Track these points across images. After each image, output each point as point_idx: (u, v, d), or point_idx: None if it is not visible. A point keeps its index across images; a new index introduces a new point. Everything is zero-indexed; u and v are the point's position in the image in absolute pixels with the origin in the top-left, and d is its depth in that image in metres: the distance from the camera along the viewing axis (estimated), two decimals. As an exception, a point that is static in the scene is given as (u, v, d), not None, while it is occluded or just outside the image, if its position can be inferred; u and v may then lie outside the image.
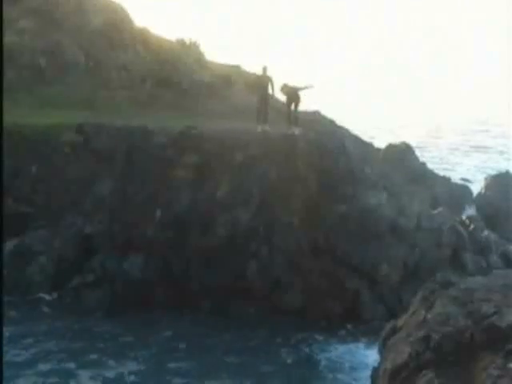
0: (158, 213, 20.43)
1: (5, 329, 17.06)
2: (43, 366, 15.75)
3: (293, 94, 22.50)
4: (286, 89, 22.60)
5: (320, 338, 18.25)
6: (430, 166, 35.47)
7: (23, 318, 18.29)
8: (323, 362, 16.85)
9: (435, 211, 24.42)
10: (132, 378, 15.41)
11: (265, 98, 22.88)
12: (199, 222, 20.17)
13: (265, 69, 22.80)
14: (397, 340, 8.19)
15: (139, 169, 21.30)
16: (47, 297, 19.69)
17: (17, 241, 20.39)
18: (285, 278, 19.79)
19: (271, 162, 20.75)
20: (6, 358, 15.68)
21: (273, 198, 20.40)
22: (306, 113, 27.10)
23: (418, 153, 35.27)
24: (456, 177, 39.34)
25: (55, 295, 19.69)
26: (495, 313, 6.97)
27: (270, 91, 22.86)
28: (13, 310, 18.55)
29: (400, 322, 9.00)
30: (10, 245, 20.20)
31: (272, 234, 20.14)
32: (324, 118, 30.20)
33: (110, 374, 15.59)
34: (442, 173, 36.71)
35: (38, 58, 28.85)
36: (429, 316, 7.88)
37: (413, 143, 36.26)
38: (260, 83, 23.08)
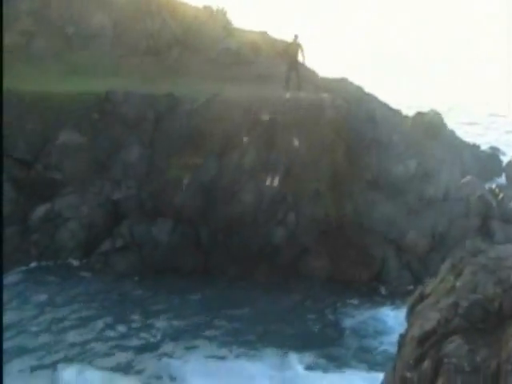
0: (186, 180, 20.49)
1: (36, 293, 17.58)
2: (74, 327, 16.12)
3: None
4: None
5: (346, 303, 18.34)
6: (459, 133, 34.96)
7: (53, 283, 18.64)
8: (349, 327, 16.97)
9: (464, 180, 24.15)
10: (159, 338, 15.76)
11: (294, 65, 22.77)
12: (226, 190, 20.21)
13: (296, 36, 22.63)
14: (425, 307, 8.17)
15: (166, 136, 21.36)
16: (77, 262, 19.98)
17: (46, 207, 20.63)
18: (311, 245, 19.81)
19: (298, 128, 20.63)
20: (38, 319, 16.18)
21: (300, 166, 20.33)
22: (333, 79, 26.85)
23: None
24: (485, 145, 38.78)
25: (85, 260, 19.97)
26: (525, 281, 6.92)
27: (301, 59, 22.75)
28: (43, 275, 18.96)
29: (428, 288, 8.97)
30: (39, 211, 20.49)
31: (299, 201, 20.12)
32: (351, 84, 29.85)
33: (139, 334, 15.97)
34: (471, 141, 36.19)
35: (66, 26, 28.89)
36: (457, 283, 7.84)
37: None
38: (290, 51, 22.92)
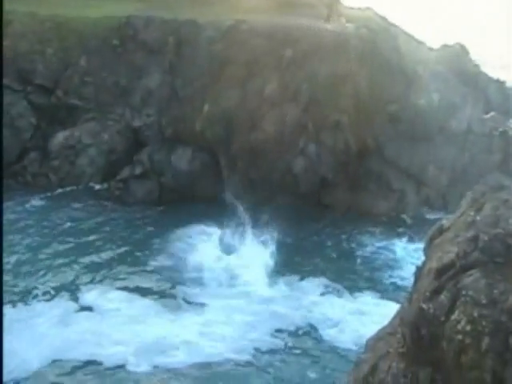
0: (206, 107, 20.36)
1: (58, 218, 17.90)
2: (96, 251, 16.56)
3: None
4: None
5: (363, 234, 18.56)
6: (484, 69, 34.17)
7: (75, 209, 18.91)
8: (363, 256, 17.29)
9: (487, 116, 23.80)
10: (175, 260, 16.25)
11: None
12: (247, 118, 20.06)
13: None
14: (444, 240, 8.14)
15: (188, 63, 21.12)
16: (97, 186, 20.14)
17: (67, 133, 20.70)
18: (332, 176, 19.78)
19: (322, 58, 20.27)
20: (62, 243, 16.55)
21: (322, 96, 20.07)
22: (358, 9, 26.20)
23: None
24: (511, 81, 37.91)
25: (105, 185, 20.16)
26: (548, 216, 6.85)
27: None
28: (65, 200, 19.20)
29: (447, 222, 8.93)
30: (60, 137, 20.59)
31: (320, 131, 19.95)
32: (376, 14, 29.13)
33: (156, 258, 16.38)
34: (496, 76, 35.39)
35: None
36: (478, 218, 7.78)
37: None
38: None
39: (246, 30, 20.97)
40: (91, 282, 15.00)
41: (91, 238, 17.16)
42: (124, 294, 14.63)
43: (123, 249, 16.79)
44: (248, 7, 24.55)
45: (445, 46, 32.36)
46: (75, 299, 14.21)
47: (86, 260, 15.96)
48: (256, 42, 20.60)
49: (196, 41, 21.31)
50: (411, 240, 17.97)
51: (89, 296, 14.33)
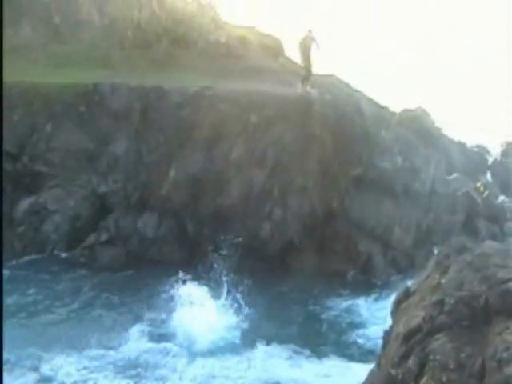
0: (173, 173, 20.44)
1: (22, 288, 17.55)
2: (59, 318, 16.24)
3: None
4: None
5: (329, 296, 18.50)
6: (446, 132, 35.03)
7: (38, 275, 18.58)
8: (330, 319, 17.19)
9: (450, 177, 24.30)
10: (145, 326, 15.94)
11: (308, 59, 22.72)
12: (213, 182, 20.17)
13: (310, 31, 22.55)
14: (410, 304, 8.21)
15: (154, 128, 21.27)
16: (62, 254, 19.91)
17: (32, 199, 20.52)
18: (299, 239, 19.86)
19: (287, 123, 20.62)
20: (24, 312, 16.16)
21: (288, 160, 20.33)
22: (321, 75, 26.83)
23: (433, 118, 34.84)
24: (472, 143, 38.92)
25: (70, 253, 19.92)
26: (511, 279, 6.95)
27: (314, 53, 22.69)
28: (31, 268, 18.90)
29: (413, 286, 9.01)
30: (24, 203, 20.38)
31: (286, 195, 20.13)
32: (340, 81, 29.85)
33: (124, 322, 16.13)
34: (457, 138, 36.29)
35: (53, 15, 28.64)
36: (443, 280, 7.88)
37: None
38: (303, 45, 22.68)
39: (212, 96, 21.28)
40: (55, 351, 14.58)
41: (57, 307, 16.81)
42: (89, 363, 14.26)
43: (90, 315, 16.48)
44: (214, 74, 24.98)
45: (406, 110, 33.23)
46: (35, 370, 13.79)
47: (54, 330, 15.57)
48: (222, 108, 20.89)
49: (162, 107, 21.53)
50: (377, 301, 18.03)
51: (51, 367, 13.94)
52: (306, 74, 22.96)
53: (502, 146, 34.87)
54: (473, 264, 7.80)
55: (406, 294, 8.74)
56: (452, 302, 7.21)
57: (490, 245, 8.59)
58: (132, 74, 24.47)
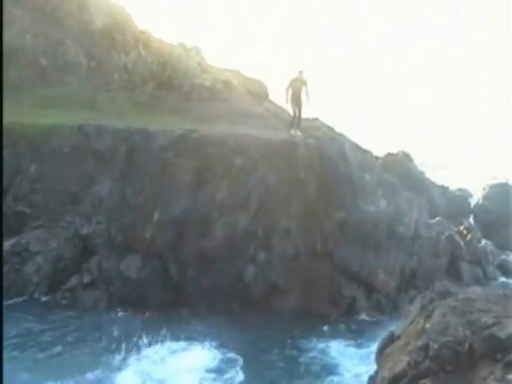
0: (157, 214, 20.41)
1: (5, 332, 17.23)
2: (41, 360, 15.91)
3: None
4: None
5: (313, 340, 18.30)
6: (428, 175, 35.44)
7: (19, 318, 18.30)
8: (307, 363, 16.95)
9: (433, 220, 24.49)
10: (130, 371, 15.56)
11: (298, 102, 22.89)
12: (198, 225, 20.14)
13: (300, 72, 22.77)
14: (395, 348, 8.19)
15: (139, 170, 21.30)
16: (43, 297, 19.68)
17: (14, 240, 20.35)
18: (282, 282, 19.82)
19: (271, 166, 20.75)
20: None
21: (272, 203, 20.40)
22: (305, 119, 27.15)
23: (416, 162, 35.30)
24: (454, 186, 39.37)
25: (51, 296, 19.67)
26: (495, 323, 6.97)
27: (304, 95, 22.83)
28: (13, 312, 18.60)
29: (398, 331, 9.00)
30: (7, 244, 20.16)
31: (270, 238, 20.15)
32: (323, 124, 30.23)
33: (104, 365, 15.78)
34: (440, 182, 36.69)
35: (40, 57, 28.88)
36: (427, 325, 7.88)
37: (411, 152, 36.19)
38: (294, 87, 22.84)
39: (197, 139, 21.40)
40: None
41: (39, 353, 16.54)
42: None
43: (66, 357, 16.22)
44: (199, 117, 25.21)
45: (389, 155, 33.65)
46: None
47: (35, 372, 15.31)
48: (207, 150, 21.00)
49: (147, 149, 21.59)
50: (361, 346, 17.90)
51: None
52: (294, 118, 23.17)
53: (484, 189, 35.23)
54: (457, 309, 7.83)
55: (391, 339, 8.73)
56: (436, 346, 7.21)
57: (473, 290, 8.63)
58: (118, 116, 24.63)
